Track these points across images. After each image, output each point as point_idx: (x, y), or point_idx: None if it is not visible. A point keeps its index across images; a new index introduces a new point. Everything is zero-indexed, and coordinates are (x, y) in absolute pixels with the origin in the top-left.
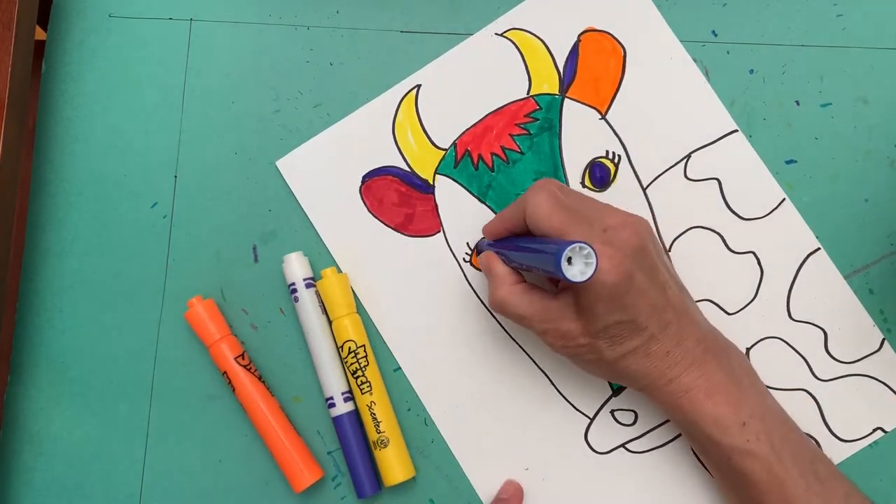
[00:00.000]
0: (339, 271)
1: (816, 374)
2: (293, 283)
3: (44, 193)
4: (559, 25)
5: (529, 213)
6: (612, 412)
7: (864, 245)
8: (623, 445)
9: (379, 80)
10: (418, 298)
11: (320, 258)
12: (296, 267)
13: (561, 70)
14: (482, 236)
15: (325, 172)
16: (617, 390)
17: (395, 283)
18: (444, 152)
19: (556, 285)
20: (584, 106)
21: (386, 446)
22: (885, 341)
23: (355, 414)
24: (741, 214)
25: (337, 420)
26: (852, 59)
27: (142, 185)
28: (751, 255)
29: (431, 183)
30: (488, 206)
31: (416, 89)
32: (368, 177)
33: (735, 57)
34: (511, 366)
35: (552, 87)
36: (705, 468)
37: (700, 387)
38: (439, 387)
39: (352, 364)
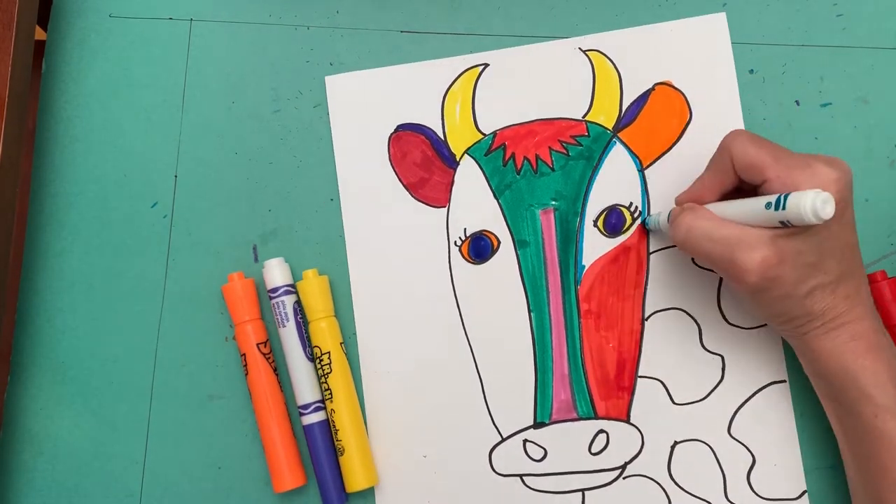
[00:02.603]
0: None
1: (729, 495)
2: (274, 289)
3: (44, 193)
4: (641, 66)
5: (739, 153)
6: (525, 441)
7: (864, 245)
8: (521, 476)
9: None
10: (399, 259)
11: (315, 260)
12: (276, 273)
13: (623, 109)
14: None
15: (365, 106)
16: (538, 423)
17: (384, 236)
18: (481, 136)
19: None
20: (629, 152)
21: (343, 454)
22: (806, 494)
23: (325, 424)
24: (727, 317)
25: (306, 429)
26: (852, 59)
27: (142, 184)
28: (719, 357)
29: (458, 159)
30: (499, 204)
31: (482, 67)
32: (402, 128)
33: (735, 57)
34: (453, 357)
35: (608, 121)
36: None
37: (865, 338)
38: (381, 347)
39: (318, 370)
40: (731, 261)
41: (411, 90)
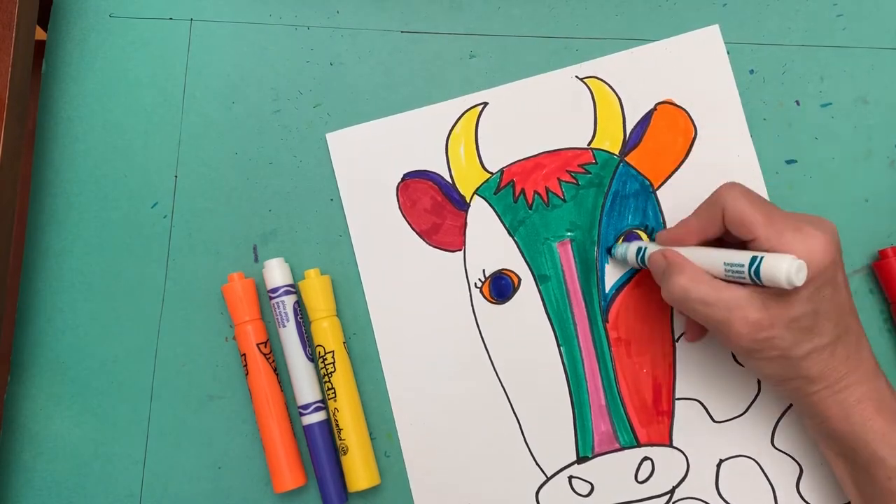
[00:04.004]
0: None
1: None
2: (274, 290)
3: (44, 193)
4: (641, 88)
5: (732, 208)
6: (570, 478)
7: (864, 245)
8: None
9: (379, 80)
10: (421, 309)
11: (315, 260)
12: (276, 273)
13: (628, 133)
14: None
15: (369, 159)
16: (581, 458)
17: (404, 288)
18: (489, 175)
19: None
20: (638, 174)
21: (346, 453)
22: None
23: (325, 424)
24: None
25: (306, 429)
26: (852, 59)
27: (142, 185)
28: None
29: (468, 201)
30: (515, 242)
31: (482, 106)
32: (409, 176)
33: (735, 57)
34: (488, 401)
35: (614, 146)
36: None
37: (872, 399)
38: (414, 400)
39: (321, 369)
40: (724, 323)
41: (413, 137)
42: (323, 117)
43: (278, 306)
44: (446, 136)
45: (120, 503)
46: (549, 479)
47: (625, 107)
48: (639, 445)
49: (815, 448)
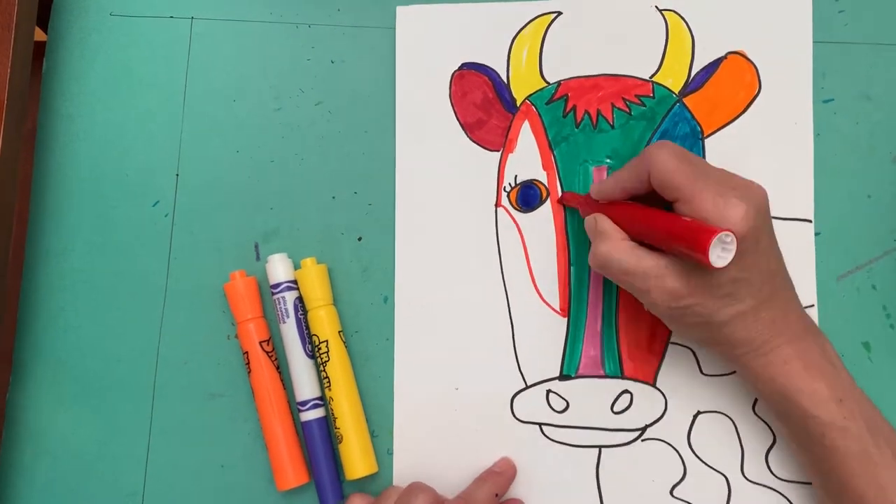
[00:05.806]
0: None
1: (745, 472)
2: (276, 285)
3: (44, 193)
4: (717, 33)
5: (657, 169)
6: (548, 391)
7: (867, 241)
8: (541, 425)
9: (380, 78)
10: (444, 196)
11: (317, 258)
12: (279, 268)
13: (692, 74)
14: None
15: (433, 40)
16: (564, 376)
17: (434, 176)
18: (545, 85)
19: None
20: (691, 118)
21: (341, 441)
22: None
23: (323, 421)
24: None
25: (304, 426)
26: (855, 56)
27: (143, 183)
28: None
29: (517, 105)
30: (553, 156)
31: (555, 15)
32: (467, 67)
33: None
34: (488, 298)
35: (676, 84)
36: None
37: (799, 359)
38: (418, 278)
39: (317, 358)
40: (644, 291)
41: (480, 30)
42: (324, 115)
43: (279, 302)
44: (513, 35)
45: (122, 502)
46: (528, 386)
47: (696, 48)
48: (622, 377)
49: None
